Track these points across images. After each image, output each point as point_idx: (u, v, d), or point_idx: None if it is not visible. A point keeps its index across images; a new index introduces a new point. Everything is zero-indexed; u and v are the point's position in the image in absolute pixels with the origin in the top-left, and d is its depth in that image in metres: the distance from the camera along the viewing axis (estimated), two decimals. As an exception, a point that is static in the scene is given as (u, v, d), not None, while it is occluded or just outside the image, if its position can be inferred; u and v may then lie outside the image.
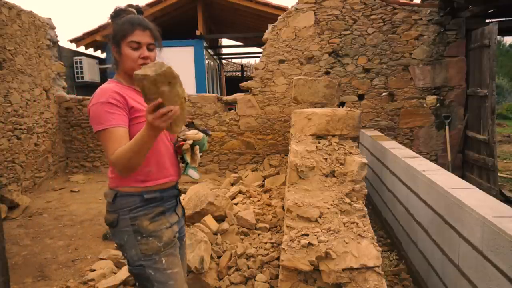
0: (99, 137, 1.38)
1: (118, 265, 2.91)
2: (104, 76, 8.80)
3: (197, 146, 1.64)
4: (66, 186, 5.41)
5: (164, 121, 1.16)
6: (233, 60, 17.55)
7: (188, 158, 1.61)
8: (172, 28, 9.89)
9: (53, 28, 5.99)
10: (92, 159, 6.25)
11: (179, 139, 1.62)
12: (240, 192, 4.09)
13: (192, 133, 1.62)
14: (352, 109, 2.60)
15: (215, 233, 3.08)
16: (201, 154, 1.66)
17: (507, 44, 19.81)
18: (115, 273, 2.76)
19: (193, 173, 1.64)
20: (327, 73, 5.60)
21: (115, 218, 1.48)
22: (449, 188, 2.14)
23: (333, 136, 2.54)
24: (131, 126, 1.42)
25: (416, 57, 5.42)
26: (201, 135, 1.64)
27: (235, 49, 17.00)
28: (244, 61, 17.74)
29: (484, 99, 4.83)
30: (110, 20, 1.54)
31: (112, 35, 1.49)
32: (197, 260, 2.40)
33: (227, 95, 6.68)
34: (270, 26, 5.69)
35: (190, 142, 1.60)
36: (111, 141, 1.33)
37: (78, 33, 13.86)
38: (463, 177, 4.97)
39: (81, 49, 8.51)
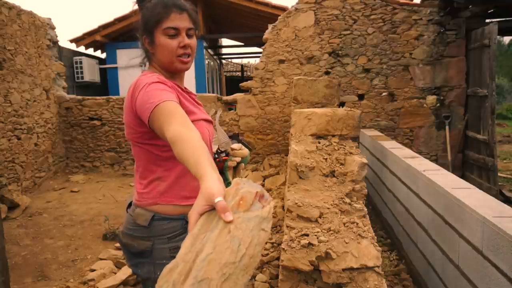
0: (152, 121, 1.06)
1: (118, 265, 2.91)
2: (104, 76, 8.80)
3: (242, 164, 1.42)
4: (66, 186, 5.41)
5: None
6: (233, 60, 17.54)
7: (230, 176, 1.38)
8: (172, 28, 9.87)
9: (53, 28, 6.00)
10: (92, 159, 6.25)
11: (220, 152, 1.39)
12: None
13: (237, 147, 1.41)
14: (352, 109, 2.60)
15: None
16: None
17: (507, 44, 19.80)
18: (115, 273, 2.77)
19: None
20: (327, 73, 5.60)
21: (148, 246, 1.20)
22: (449, 188, 2.14)
23: (333, 136, 2.54)
24: None
25: (416, 57, 5.42)
26: (246, 151, 1.43)
27: (235, 49, 16.99)
28: (244, 61, 17.75)
29: (484, 99, 4.83)
30: (136, 6, 1.27)
31: (142, 23, 1.22)
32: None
33: (227, 95, 6.68)
34: (270, 26, 5.69)
35: (238, 159, 1.39)
36: (167, 115, 1.02)
37: (78, 33, 13.88)
38: (463, 177, 4.96)
39: (81, 49, 8.52)
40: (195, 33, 1.25)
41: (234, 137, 1.47)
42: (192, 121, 1.18)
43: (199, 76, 8.90)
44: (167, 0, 1.20)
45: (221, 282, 0.63)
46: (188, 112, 1.19)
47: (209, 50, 10.54)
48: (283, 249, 1.77)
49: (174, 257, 1.17)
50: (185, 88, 1.36)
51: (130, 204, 1.32)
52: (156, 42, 1.21)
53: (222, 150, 1.40)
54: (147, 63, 1.33)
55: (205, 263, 0.65)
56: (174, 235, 1.20)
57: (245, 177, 5.15)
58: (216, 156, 1.38)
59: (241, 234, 0.68)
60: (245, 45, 12.78)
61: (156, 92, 1.08)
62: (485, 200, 1.94)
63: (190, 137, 0.94)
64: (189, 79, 8.61)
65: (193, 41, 1.25)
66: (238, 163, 1.40)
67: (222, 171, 1.38)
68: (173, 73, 1.28)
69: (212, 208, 0.73)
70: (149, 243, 1.20)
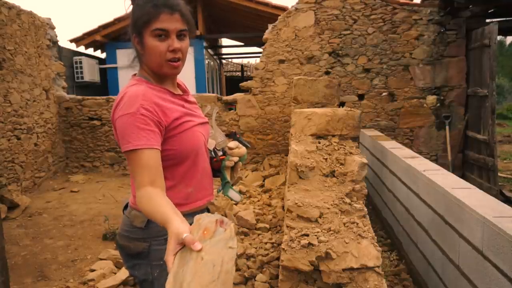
0: (126, 156, 1.11)
1: (118, 265, 2.91)
2: (104, 76, 8.80)
3: (240, 163, 1.41)
4: (66, 186, 5.41)
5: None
6: (233, 60, 17.55)
7: (228, 176, 1.38)
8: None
9: (53, 28, 5.99)
10: (92, 159, 6.25)
11: (217, 150, 1.38)
12: (240, 192, 4.09)
13: (234, 146, 1.38)
14: (352, 109, 2.60)
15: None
16: None
17: (508, 44, 19.79)
18: (115, 273, 2.76)
19: (234, 194, 1.40)
20: (327, 73, 5.60)
21: (145, 248, 1.20)
22: (449, 188, 2.14)
23: (333, 136, 2.53)
24: (174, 136, 1.17)
25: (416, 57, 5.42)
26: (244, 149, 1.41)
27: (235, 49, 17.00)
28: (244, 61, 17.75)
29: (484, 99, 4.83)
30: (130, 4, 1.21)
31: (132, 21, 1.17)
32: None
33: (227, 95, 6.68)
34: (270, 26, 5.69)
35: (236, 159, 1.38)
36: (139, 168, 1.06)
37: (78, 33, 13.88)
38: (463, 177, 4.96)
39: (81, 49, 8.52)
40: (188, 34, 1.19)
41: (232, 136, 1.46)
42: (184, 131, 1.19)
43: (199, 76, 8.89)
44: (158, 0, 1.13)
45: None
46: (180, 124, 1.18)
47: (209, 50, 10.54)
48: (283, 249, 1.77)
49: None
50: (178, 86, 1.32)
51: (126, 206, 1.31)
52: (144, 44, 1.15)
53: (219, 149, 1.39)
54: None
55: None
56: None
57: (245, 177, 5.15)
58: (213, 155, 1.37)
59: (212, 257, 0.80)
60: (245, 45, 12.78)
61: (135, 131, 1.07)
62: (485, 200, 1.93)
63: (154, 195, 1.03)
64: (189, 79, 8.61)
65: (185, 44, 1.17)
66: (236, 162, 1.39)
67: (219, 170, 1.37)
68: (163, 77, 1.23)
69: (183, 246, 0.85)
70: (146, 245, 1.20)
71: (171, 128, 1.16)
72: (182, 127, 1.18)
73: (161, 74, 1.21)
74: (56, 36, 6.11)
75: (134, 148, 1.06)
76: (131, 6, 1.20)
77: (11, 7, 4.84)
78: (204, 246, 0.82)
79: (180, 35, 1.16)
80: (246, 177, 5.16)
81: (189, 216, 1.23)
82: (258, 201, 4.13)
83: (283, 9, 7.49)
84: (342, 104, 5.52)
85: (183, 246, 0.85)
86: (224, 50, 14.21)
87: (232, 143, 1.39)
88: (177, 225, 0.88)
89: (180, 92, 1.30)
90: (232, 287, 0.80)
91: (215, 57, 12.15)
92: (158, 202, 1.01)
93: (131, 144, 1.07)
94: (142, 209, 1.04)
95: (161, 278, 1.19)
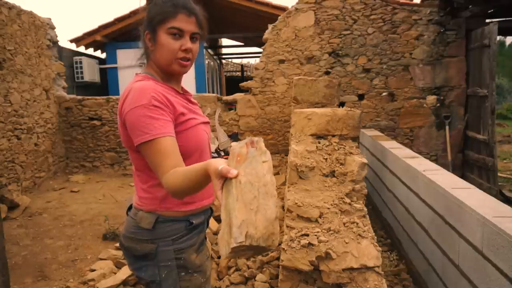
0: (143, 149, 1.10)
1: (118, 265, 2.91)
2: (104, 76, 8.80)
3: None
4: (66, 186, 5.41)
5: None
6: (233, 60, 17.54)
7: None
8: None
9: (53, 28, 5.99)
10: (92, 159, 6.25)
11: (220, 151, 1.39)
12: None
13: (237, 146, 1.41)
14: (352, 109, 2.60)
15: (215, 233, 3.09)
16: None
17: (508, 44, 19.79)
18: (115, 273, 2.76)
19: None
20: (327, 73, 5.60)
21: (152, 249, 1.19)
22: (449, 188, 2.14)
23: (333, 136, 2.53)
24: (179, 133, 1.17)
25: (416, 57, 5.42)
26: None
27: (235, 49, 16.99)
28: (244, 61, 17.74)
29: (484, 99, 4.83)
30: (145, 3, 1.25)
31: (148, 18, 1.19)
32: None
33: (227, 95, 6.68)
34: (270, 26, 5.69)
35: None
36: (160, 156, 1.06)
37: (78, 33, 13.88)
38: (463, 177, 4.96)
39: (81, 49, 8.51)
40: (199, 37, 1.23)
41: (233, 136, 1.47)
42: (190, 128, 1.20)
43: (199, 76, 8.89)
44: (177, 1, 1.17)
45: (254, 215, 0.79)
46: (185, 121, 1.19)
47: (209, 50, 10.54)
48: (283, 249, 1.77)
49: (178, 258, 1.21)
50: (182, 88, 1.34)
51: (130, 207, 1.31)
52: (157, 40, 1.17)
53: (221, 149, 1.39)
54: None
55: (236, 212, 0.80)
56: (178, 237, 1.20)
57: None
58: (216, 155, 1.40)
59: (249, 177, 0.84)
60: (245, 45, 12.77)
61: (149, 121, 1.08)
62: (485, 200, 1.93)
63: (178, 168, 1.05)
64: (189, 79, 8.60)
65: (196, 46, 1.22)
66: None
67: None
68: (170, 75, 1.25)
69: (225, 179, 0.88)
70: (153, 246, 1.19)
71: (177, 124, 1.17)
72: (187, 124, 1.20)
73: (169, 72, 1.23)
74: (56, 36, 6.11)
75: (153, 138, 1.07)
76: (148, 4, 1.23)
77: (11, 7, 4.84)
78: (240, 171, 0.85)
79: (192, 38, 1.20)
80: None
81: (195, 215, 1.25)
82: (258, 201, 4.12)
83: (283, 9, 7.49)
84: (342, 104, 5.52)
85: (225, 178, 0.88)
86: (224, 50, 14.20)
87: (235, 144, 1.40)
88: (213, 163, 0.91)
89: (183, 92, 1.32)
90: (275, 195, 0.84)
91: (215, 57, 12.15)
92: (186, 168, 1.03)
93: (148, 135, 1.07)
94: (173, 186, 1.01)
95: (168, 279, 1.20)
